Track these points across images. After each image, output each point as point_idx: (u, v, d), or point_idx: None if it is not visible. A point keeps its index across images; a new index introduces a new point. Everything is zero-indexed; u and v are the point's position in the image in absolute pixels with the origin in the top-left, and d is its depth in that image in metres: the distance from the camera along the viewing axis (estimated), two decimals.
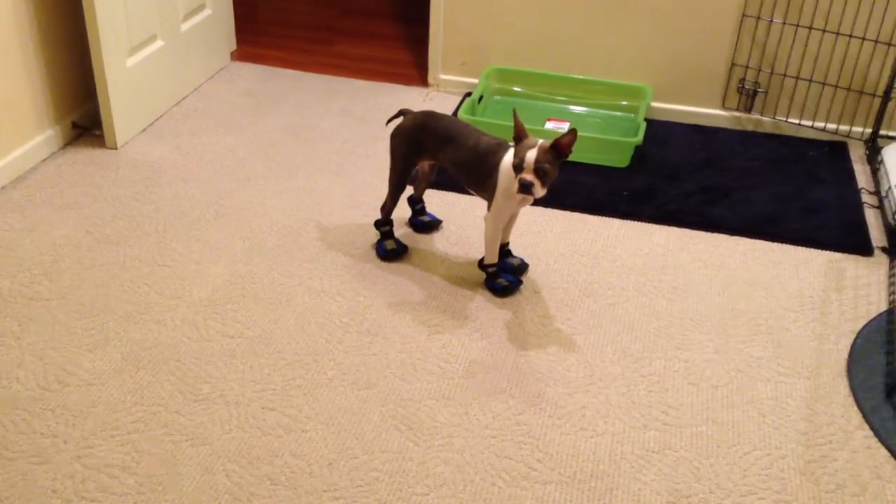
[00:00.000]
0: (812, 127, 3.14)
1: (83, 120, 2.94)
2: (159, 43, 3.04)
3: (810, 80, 3.06)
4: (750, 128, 3.22)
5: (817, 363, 2.13)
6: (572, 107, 3.26)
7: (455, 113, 3.18)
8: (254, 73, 3.50)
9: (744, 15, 3.04)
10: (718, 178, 2.89)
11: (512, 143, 2.18)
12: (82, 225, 2.50)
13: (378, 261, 2.41)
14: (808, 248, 2.55)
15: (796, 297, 2.35)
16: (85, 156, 2.85)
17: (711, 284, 2.39)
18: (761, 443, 1.90)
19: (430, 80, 3.45)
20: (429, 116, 2.34)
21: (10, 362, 2.01)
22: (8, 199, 2.60)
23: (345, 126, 3.12)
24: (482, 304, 2.27)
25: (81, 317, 2.16)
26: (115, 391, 1.95)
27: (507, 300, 2.29)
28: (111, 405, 1.91)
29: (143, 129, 3.02)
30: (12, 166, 2.67)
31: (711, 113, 3.23)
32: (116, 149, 2.88)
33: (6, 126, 2.64)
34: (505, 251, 2.39)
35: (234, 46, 3.63)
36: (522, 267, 2.40)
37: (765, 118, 3.19)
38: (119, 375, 1.99)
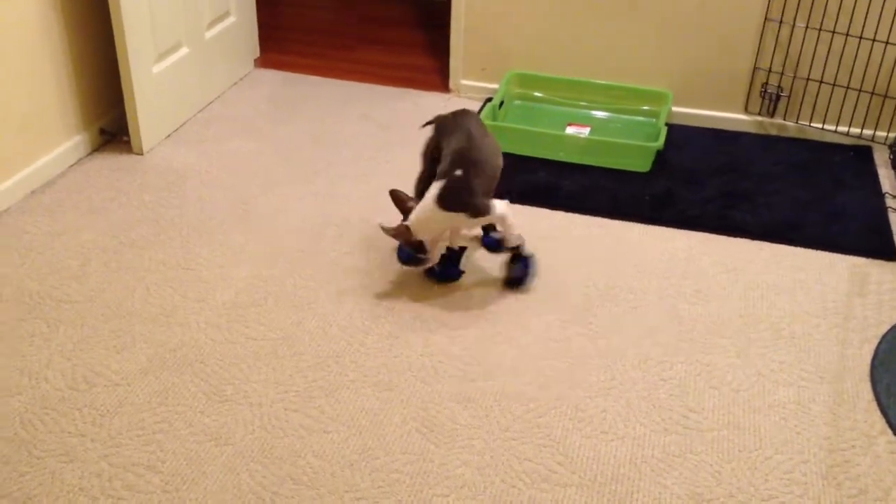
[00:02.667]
0: (836, 131, 3.13)
1: (111, 126, 2.99)
2: (184, 50, 3.09)
3: (834, 84, 3.05)
4: (773, 132, 3.21)
5: (840, 368, 2.11)
6: (593, 112, 3.26)
7: None
8: (277, 80, 3.53)
9: (766, 19, 3.03)
10: (741, 183, 2.88)
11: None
12: (109, 229, 2.54)
13: (401, 267, 2.43)
14: (831, 253, 2.54)
15: (819, 301, 2.34)
16: (112, 161, 2.89)
17: (733, 289, 2.38)
18: (783, 447, 1.89)
19: (451, 85, 3.47)
20: (452, 115, 2.34)
21: (39, 362, 2.04)
22: (38, 204, 2.64)
23: (365, 132, 3.15)
24: (504, 308, 2.28)
25: (108, 319, 2.19)
26: (141, 392, 1.98)
27: (528, 303, 2.30)
28: (137, 405, 1.94)
29: (169, 135, 3.06)
30: (42, 171, 2.72)
31: (734, 117, 3.22)
32: (142, 154, 2.93)
33: (36, 132, 2.69)
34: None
35: (257, 53, 3.67)
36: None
37: (788, 123, 3.17)
38: (145, 376, 2.02)
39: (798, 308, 2.31)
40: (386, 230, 2.21)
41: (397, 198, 2.25)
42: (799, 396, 2.03)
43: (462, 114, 2.34)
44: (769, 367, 2.11)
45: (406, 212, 2.23)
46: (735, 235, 2.61)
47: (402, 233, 2.20)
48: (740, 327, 2.24)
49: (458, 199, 2.17)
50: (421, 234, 2.20)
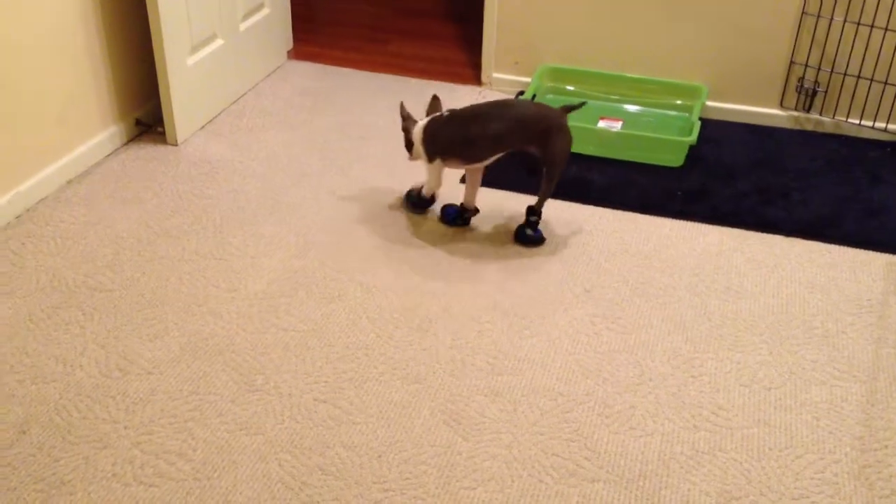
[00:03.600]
0: (873, 127, 3.07)
1: (146, 117, 3.03)
2: (219, 42, 3.11)
3: (871, 80, 3.00)
4: (809, 128, 3.17)
5: (874, 367, 2.09)
6: (626, 105, 3.24)
7: None
8: (310, 72, 3.55)
9: (803, 12, 2.99)
10: (775, 179, 2.85)
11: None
12: (143, 219, 2.58)
13: (431, 258, 2.44)
14: (866, 251, 2.50)
15: (854, 300, 2.31)
16: (147, 152, 2.93)
17: (766, 286, 2.36)
18: (815, 446, 1.87)
19: (484, 78, 3.46)
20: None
21: (74, 350, 2.08)
22: (74, 193, 2.69)
23: (397, 124, 3.14)
24: (532, 302, 2.28)
25: (142, 307, 2.22)
26: (173, 380, 2.00)
27: (558, 297, 2.30)
28: (169, 393, 1.97)
29: (203, 126, 3.09)
30: (78, 161, 2.76)
31: (769, 112, 3.18)
32: (177, 145, 2.96)
33: (73, 123, 2.73)
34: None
35: (290, 45, 3.69)
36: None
37: (824, 118, 3.13)
38: (177, 365, 2.05)
39: (832, 306, 2.28)
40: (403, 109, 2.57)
41: (404, 113, 2.57)
42: (831, 395, 2.00)
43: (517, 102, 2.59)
44: (801, 365, 2.09)
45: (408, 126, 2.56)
46: (769, 232, 2.58)
47: (407, 120, 2.54)
48: (772, 324, 2.22)
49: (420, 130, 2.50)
50: (415, 139, 2.51)
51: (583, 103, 2.48)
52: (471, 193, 2.58)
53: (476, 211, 2.61)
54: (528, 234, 2.51)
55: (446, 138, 2.46)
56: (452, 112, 2.48)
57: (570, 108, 2.43)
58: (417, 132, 2.50)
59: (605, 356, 2.11)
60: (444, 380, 2.02)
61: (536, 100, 3.19)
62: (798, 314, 2.26)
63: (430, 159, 2.50)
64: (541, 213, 2.50)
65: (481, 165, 2.52)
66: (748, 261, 2.46)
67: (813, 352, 2.13)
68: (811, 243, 2.54)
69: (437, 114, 2.51)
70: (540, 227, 2.52)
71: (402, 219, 2.61)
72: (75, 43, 2.67)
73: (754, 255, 2.48)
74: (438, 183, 2.57)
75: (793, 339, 2.17)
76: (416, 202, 2.64)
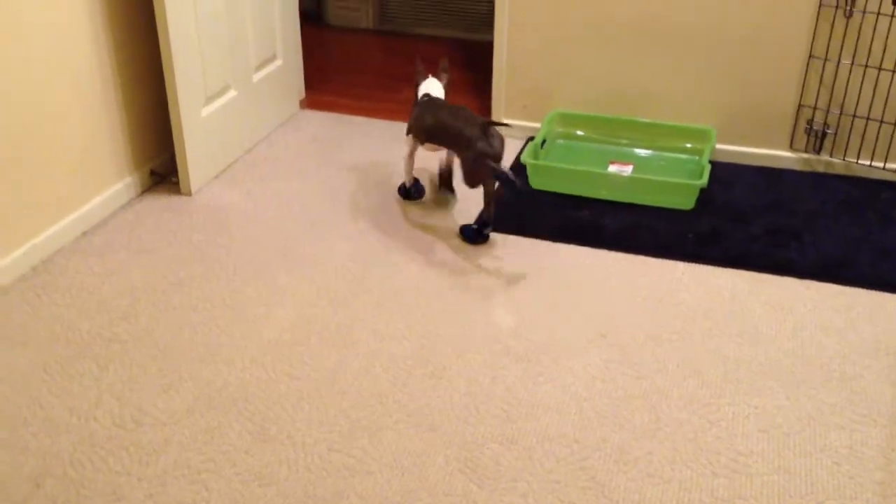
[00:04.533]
0: (884, 168, 3.08)
1: (161, 168, 3.06)
2: (232, 93, 3.16)
3: (881, 121, 3.01)
4: (819, 169, 3.17)
5: (893, 410, 2.06)
6: (636, 150, 3.26)
7: (518, 157, 3.21)
8: (322, 121, 3.59)
9: (810, 56, 3.01)
10: (787, 221, 2.85)
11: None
12: (158, 269, 2.59)
13: (443, 303, 2.44)
14: (881, 292, 2.49)
15: (871, 342, 2.29)
16: (161, 202, 2.96)
17: (781, 329, 2.35)
18: (835, 492, 1.84)
19: None
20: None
21: (88, 402, 2.08)
22: (89, 244, 2.71)
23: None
24: (546, 347, 2.27)
25: (156, 358, 2.23)
26: (186, 431, 2.00)
27: (572, 343, 2.29)
28: (183, 444, 1.96)
29: (216, 176, 3.12)
30: (94, 212, 2.79)
31: (779, 154, 3.19)
32: (191, 195, 2.99)
33: (89, 174, 2.76)
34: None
35: (302, 95, 3.74)
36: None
37: (835, 160, 3.13)
38: (191, 415, 2.04)
39: (848, 348, 2.27)
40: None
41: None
42: (851, 440, 1.98)
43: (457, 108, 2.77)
44: (820, 410, 2.06)
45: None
46: (782, 274, 2.57)
47: (419, 75, 2.96)
48: (789, 368, 2.20)
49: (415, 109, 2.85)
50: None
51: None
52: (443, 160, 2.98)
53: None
54: (473, 231, 2.74)
55: (416, 120, 2.82)
56: (429, 100, 2.83)
57: (487, 125, 2.57)
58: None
59: (620, 402, 2.09)
60: (459, 427, 2.01)
61: (546, 145, 3.22)
62: (815, 357, 2.24)
63: (407, 133, 2.89)
64: (485, 221, 2.74)
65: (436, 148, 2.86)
66: (762, 304, 2.45)
67: (831, 396, 2.11)
68: (825, 285, 2.52)
69: (425, 96, 2.86)
70: (555, 273, 2.51)
71: (414, 265, 2.62)
72: (92, 96, 2.72)
73: (768, 298, 2.47)
74: (410, 153, 2.90)
75: (810, 382, 2.15)
76: (405, 194, 2.98)
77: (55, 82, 2.57)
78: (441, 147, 2.82)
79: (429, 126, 2.75)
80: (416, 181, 2.99)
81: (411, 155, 2.91)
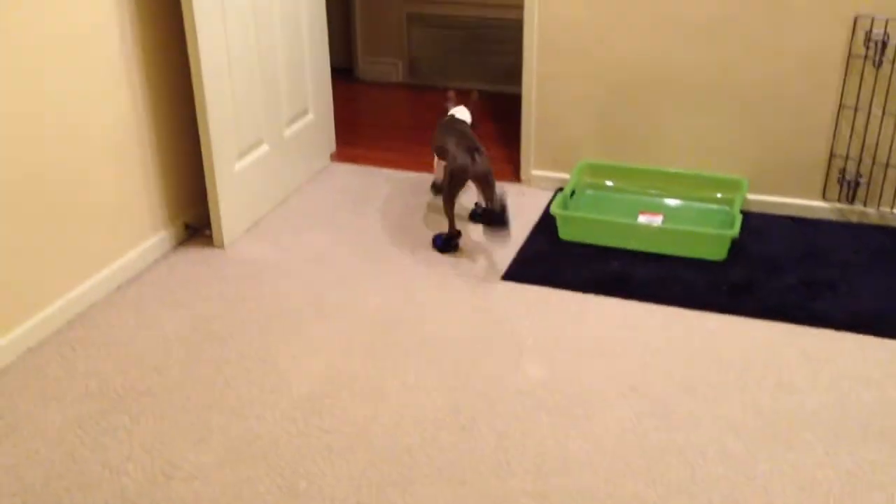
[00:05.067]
0: None
1: (194, 221, 3.11)
2: (265, 147, 3.22)
3: None
4: (853, 219, 3.14)
5: None
6: (666, 200, 3.25)
7: (548, 208, 3.22)
8: (352, 173, 3.64)
9: (841, 105, 3.00)
10: (821, 272, 2.81)
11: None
12: (190, 322, 2.62)
13: (473, 355, 2.43)
14: None
15: None
16: (194, 255, 3.00)
17: (818, 382, 2.30)
18: None
19: (522, 175, 3.51)
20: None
21: (120, 456, 2.09)
22: (123, 297, 2.75)
23: (438, 221, 3.19)
24: (577, 400, 2.25)
25: (188, 411, 2.24)
26: (217, 485, 1.99)
27: (603, 395, 2.26)
28: (213, 499, 1.95)
29: (248, 229, 3.16)
30: (129, 266, 2.84)
31: (811, 204, 3.17)
32: (223, 248, 3.03)
33: (125, 228, 2.81)
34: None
35: (333, 148, 3.80)
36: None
37: (868, 209, 3.10)
38: (221, 470, 2.04)
39: (888, 402, 2.21)
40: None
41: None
42: (892, 500, 1.92)
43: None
44: (860, 466, 2.01)
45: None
46: (818, 326, 2.53)
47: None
48: (827, 423, 2.15)
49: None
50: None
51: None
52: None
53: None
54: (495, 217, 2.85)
55: (435, 137, 3.10)
56: (450, 119, 3.12)
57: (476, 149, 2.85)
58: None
59: (653, 456, 2.06)
60: (490, 482, 1.99)
61: (575, 196, 3.23)
62: (853, 411, 2.19)
63: (439, 151, 3.10)
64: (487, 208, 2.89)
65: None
66: (798, 356, 2.41)
67: (871, 452, 2.06)
68: (862, 337, 2.48)
69: (450, 116, 3.14)
70: (585, 324, 2.50)
71: (444, 316, 2.62)
72: (129, 152, 2.78)
73: (804, 350, 2.43)
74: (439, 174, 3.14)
75: (849, 437, 2.10)
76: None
77: (92, 138, 2.63)
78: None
79: (438, 141, 3.05)
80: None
81: (450, 198, 2.91)
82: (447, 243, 2.98)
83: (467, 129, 3.04)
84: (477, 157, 2.82)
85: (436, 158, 3.21)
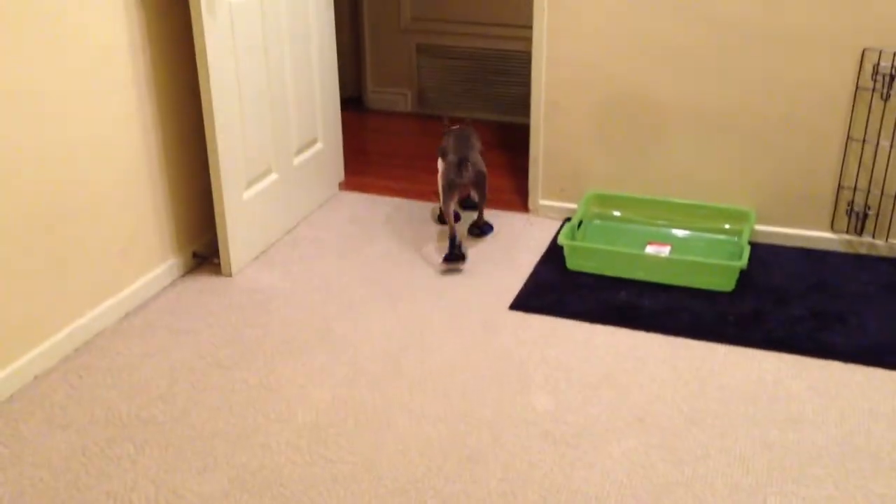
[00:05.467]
0: None
1: (203, 249, 3.12)
2: (273, 176, 3.23)
3: None
4: (862, 251, 3.13)
5: None
6: (674, 230, 3.25)
7: (555, 238, 3.22)
8: (360, 202, 3.65)
9: (849, 137, 3.01)
10: (830, 303, 2.80)
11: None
12: (197, 350, 2.62)
13: (479, 385, 2.42)
14: None
15: None
16: (202, 283, 3.01)
17: (827, 415, 2.28)
18: None
19: (530, 205, 3.52)
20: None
21: (124, 486, 2.08)
22: (130, 325, 2.75)
23: (446, 250, 3.20)
24: (584, 431, 2.23)
25: (193, 440, 2.23)
26: None
27: (610, 427, 2.25)
28: None
29: (256, 257, 3.17)
30: (137, 294, 2.84)
31: (819, 236, 3.16)
32: (231, 276, 3.03)
33: (134, 257, 2.83)
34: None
35: (342, 177, 3.81)
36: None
37: (877, 241, 3.09)
38: (226, 499, 2.03)
39: None
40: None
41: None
42: None
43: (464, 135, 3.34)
44: (870, 500, 1.99)
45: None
46: (827, 358, 2.52)
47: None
48: (837, 456, 2.13)
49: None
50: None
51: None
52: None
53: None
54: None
55: (453, 146, 3.26)
56: (458, 129, 3.38)
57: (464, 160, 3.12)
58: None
59: (661, 489, 2.04)
60: None
61: (583, 226, 3.23)
62: (863, 445, 2.17)
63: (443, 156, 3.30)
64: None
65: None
66: (807, 388, 2.39)
67: (881, 486, 2.03)
68: (872, 370, 2.46)
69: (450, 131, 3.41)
70: (592, 355, 2.49)
71: (450, 344, 2.61)
72: (139, 181, 2.80)
73: (814, 383, 2.41)
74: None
75: (859, 471, 2.08)
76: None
77: (103, 167, 2.65)
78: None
79: (443, 144, 3.31)
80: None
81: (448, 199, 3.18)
82: (451, 251, 3.09)
83: (470, 136, 3.32)
84: (466, 167, 3.11)
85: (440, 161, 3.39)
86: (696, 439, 2.20)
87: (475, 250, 3.20)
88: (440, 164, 3.27)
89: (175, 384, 2.46)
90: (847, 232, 3.12)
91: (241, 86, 2.95)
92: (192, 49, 2.80)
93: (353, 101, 4.81)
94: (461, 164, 3.11)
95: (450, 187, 3.13)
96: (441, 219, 3.43)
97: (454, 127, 3.42)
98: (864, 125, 2.97)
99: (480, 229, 3.33)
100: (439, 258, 3.12)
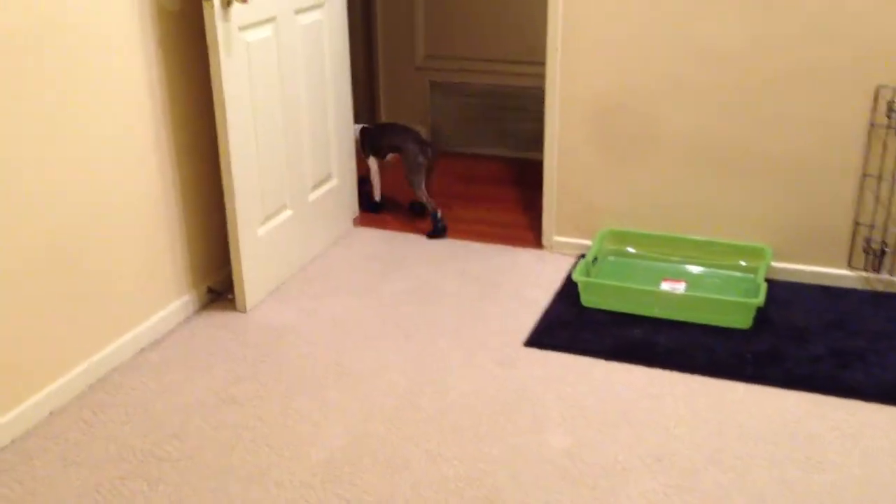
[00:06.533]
0: None
1: (217, 285, 3.13)
2: (288, 212, 3.24)
3: None
4: (880, 288, 3.10)
5: None
6: (689, 267, 3.24)
7: (570, 274, 3.21)
8: (375, 238, 3.66)
9: (864, 174, 3.00)
10: (850, 341, 2.77)
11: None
12: (211, 386, 2.61)
13: (496, 423, 2.40)
14: None
15: None
16: (217, 319, 3.00)
17: (850, 455, 2.25)
18: None
19: (545, 241, 3.51)
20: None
21: None
22: (145, 361, 2.75)
23: (462, 287, 3.19)
24: (602, 471, 2.20)
25: (206, 477, 2.21)
26: None
27: (628, 466, 2.22)
28: None
29: (271, 293, 3.17)
30: (152, 330, 2.84)
31: (837, 273, 3.14)
32: (246, 312, 3.03)
33: (150, 292, 2.83)
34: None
35: (356, 213, 3.83)
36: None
37: (895, 278, 3.07)
38: None
39: None
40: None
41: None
42: None
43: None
44: None
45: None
46: (848, 397, 2.49)
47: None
48: (859, 497, 2.09)
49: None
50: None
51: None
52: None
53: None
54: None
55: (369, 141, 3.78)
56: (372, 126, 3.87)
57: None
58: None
59: None
60: None
61: (598, 262, 3.22)
62: (888, 485, 2.13)
63: (366, 156, 3.82)
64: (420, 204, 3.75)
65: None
66: (829, 428, 2.36)
67: None
68: (894, 409, 2.43)
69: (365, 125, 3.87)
70: (609, 392, 2.47)
71: (465, 381, 2.59)
72: (156, 218, 2.82)
73: (835, 422, 2.38)
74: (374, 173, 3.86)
75: None
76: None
77: (120, 205, 2.67)
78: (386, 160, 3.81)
79: (388, 140, 3.76)
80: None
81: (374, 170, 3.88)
82: (435, 226, 3.59)
83: (396, 124, 3.91)
84: (430, 147, 3.67)
85: (372, 157, 3.84)
86: (716, 480, 2.17)
87: (488, 287, 3.19)
88: (371, 161, 3.80)
89: (189, 421, 2.44)
90: (864, 269, 3.10)
91: (257, 123, 2.97)
92: (209, 86, 2.83)
93: None
94: (424, 146, 3.63)
95: (420, 169, 3.60)
96: (414, 207, 3.84)
97: (369, 126, 3.87)
98: (880, 162, 2.97)
99: (421, 207, 3.76)
100: (455, 297, 3.12)
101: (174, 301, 2.95)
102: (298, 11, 3.15)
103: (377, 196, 3.91)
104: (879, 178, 2.98)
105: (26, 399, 2.41)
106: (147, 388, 2.60)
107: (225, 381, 2.63)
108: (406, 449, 2.31)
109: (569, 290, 3.12)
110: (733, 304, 2.88)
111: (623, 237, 3.34)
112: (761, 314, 2.88)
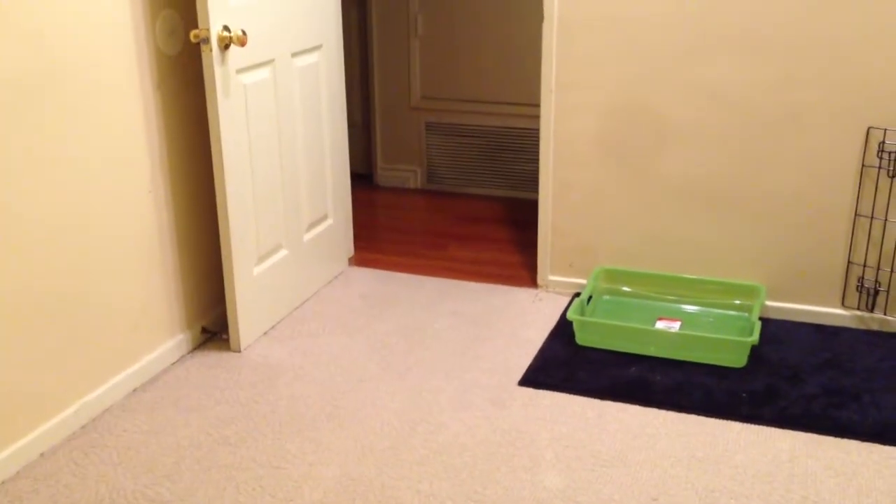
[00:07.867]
0: None
1: (212, 325, 3.13)
2: (283, 252, 3.26)
3: None
4: (874, 327, 3.11)
5: None
6: (683, 306, 3.24)
7: (564, 313, 3.21)
8: (370, 278, 3.66)
9: (856, 214, 3.02)
10: (845, 380, 2.76)
11: None
12: (204, 426, 2.59)
13: (490, 464, 2.38)
14: None
15: None
16: (211, 359, 3.00)
17: (845, 495, 2.23)
18: None
19: (539, 281, 3.52)
20: None
21: None
22: (138, 401, 2.74)
23: (455, 327, 3.19)
24: None
25: None
26: None
27: None
28: None
29: (265, 332, 3.17)
30: (146, 369, 2.84)
31: (831, 312, 3.14)
32: (240, 352, 3.03)
33: (143, 332, 2.83)
34: None
35: (351, 252, 3.84)
36: None
37: (889, 317, 3.07)
38: None
39: None
40: None
41: None
42: None
43: None
44: None
45: None
46: (843, 436, 2.48)
47: None
48: None
49: None
50: None
51: None
52: None
53: None
54: None
55: None
56: None
57: None
58: None
59: None
60: None
61: (592, 301, 3.22)
62: None
63: None
64: None
65: None
66: (824, 468, 2.35)
67: None
68: (890, 449, 2.42)
69: None
70: (603, 432, 2.46)
71: (459, 421, 2.58)
72: (151, 258, 2.83)
73: (830, 462, 2.37)
74: None
75: None
76: None
77: (114, 244, 2.68)
78: None
79: None
80: None
81: None
82: None
83: None
84: None
85: None
86: None
87: (482, 326, 3.19)
88: None
89: (182, 462, 2.43)
90: (858, 308, 3.11)
91: (253, 164, 3.00)
92: (206, 126, 2.86)
93: (363, 178, 4.87)
94: None
95: None
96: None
97: None
98: (872, 202, 2.99)
99: None
100: (449, 337, 3.11)
101: (168, 341, 2.95)
102: (295, 54, 3.20)
103: None
104: (871, 217, 3.00)
105: (17, 440, 2.39)
106: (139, 429, 2.59)
107: (218, 422, 2.62)
108: (399, 490, 2.29)
109: (563, 328, 3.12)
110: (728, 343, 2.88)
111: (618, 276, 3.35)
112: (756, 353, 2.88)
